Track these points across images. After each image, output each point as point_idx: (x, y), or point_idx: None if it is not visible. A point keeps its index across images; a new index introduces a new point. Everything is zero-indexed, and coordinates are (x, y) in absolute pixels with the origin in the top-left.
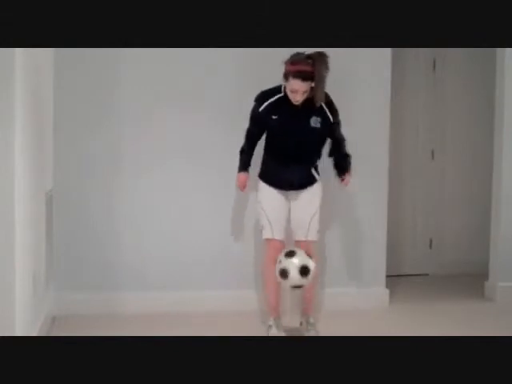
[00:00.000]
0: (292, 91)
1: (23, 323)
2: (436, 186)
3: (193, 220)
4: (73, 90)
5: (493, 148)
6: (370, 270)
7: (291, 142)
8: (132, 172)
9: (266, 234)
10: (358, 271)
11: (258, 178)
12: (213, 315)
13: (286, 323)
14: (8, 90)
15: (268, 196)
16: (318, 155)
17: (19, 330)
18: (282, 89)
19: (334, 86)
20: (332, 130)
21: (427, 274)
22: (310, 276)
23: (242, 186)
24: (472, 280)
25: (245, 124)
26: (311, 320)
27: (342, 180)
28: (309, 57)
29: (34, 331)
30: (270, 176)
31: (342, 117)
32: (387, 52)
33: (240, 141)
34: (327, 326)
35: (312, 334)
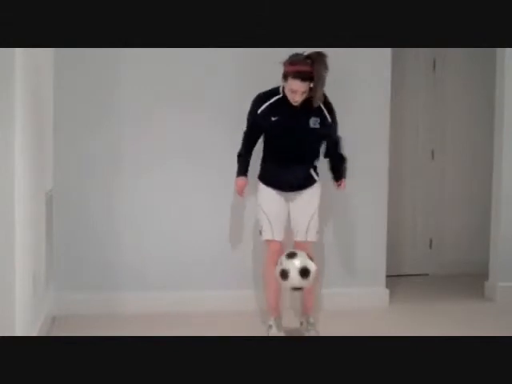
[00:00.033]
0: (291, 91)
1: (23, 323)
2: (436, 186)
3: (193, 220)
4: (73, 90)
5: (493, 148)
6: (370, 270)
7: (291, 143)
8: (132, 172)
9: (266, 235)
10: (358, 271)
11: (257, 179)
12: (213, 315)
13: (286, 323)
14: (8, 90)
15: (268, 197)
16: (317, 156)
17: (19, 330)
18: (281, 90)
19: (333, 86)
20: (330, 130)
21: (427, 274)
22: (311, 278)
23: (241, 191)
24: (472, 280)
25: (245, 124)
26: (311, 320)
27: (339, 185)
28: (308, 57)
29: (34, 331)
30: (269, 177)
31: (342, 117)
32: (387, 52)
33: (240, 140)
34: (327, 326)
35: (312, 333)
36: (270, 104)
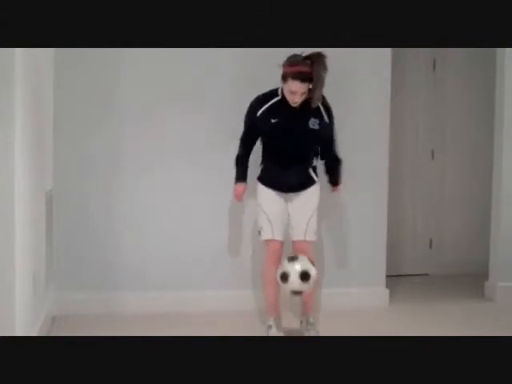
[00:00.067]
0: (291, 93)
1: (23, 323)
2: (436, 186)
3: (193, 220)
4: (73, 90)
5: (493, 148)
6: (370, 270)
7: (290, 144)
8: (132, 172)
9: (266, 235)
10: (358, 271)
11: (256, 180)
12: (213, 315)
13: (286, 324)
14: (8, 90)
15: (268, 198)
16: (316, 156)
17: (19, 330)
18: (279, 91)
19: (333, 86)
20: (327, 131)
21: (427, 274)
22: (311, 282)
23: (240, 197)
24: (472, 280)
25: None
26: (311, 320)
27: (334, 190)
28: (307, 58)
29: (34, 331)
30: (268, 178)
31: (342, 117)
32: (387, 52)
33: (239, 141)
34: (327, 326)
35: (312, 333)
36: (269, 106)
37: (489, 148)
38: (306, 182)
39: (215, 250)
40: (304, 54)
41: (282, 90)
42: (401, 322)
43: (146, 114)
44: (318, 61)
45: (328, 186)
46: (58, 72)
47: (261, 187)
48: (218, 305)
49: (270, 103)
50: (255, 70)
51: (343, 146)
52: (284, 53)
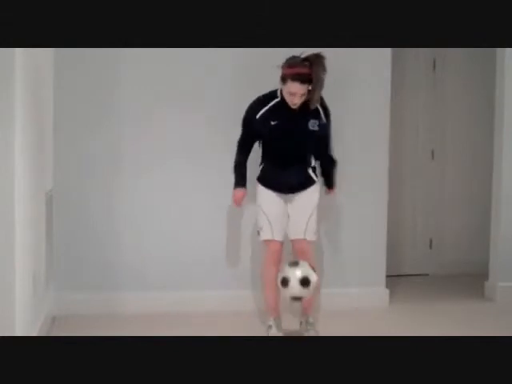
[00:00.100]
0: (290, 94)
1: (23, 323)
2: (436, 186)
3: (193, 220)
4: (73, 90)
5: (493, 148)
6: (370, 270)
7: (290, 146)
8: (132, 172)
9: (266, 236)
10: (358, 271)
11: (256, 181)
12: (213, 315)
13: (286, 326)
14: (8, 90)
15: (267, 198)
16: (315, 156)
17: (19, 330)
18: (278, 93)
19: (333, 86)
20: (325, 131)
21: (427, 274)
22: (311, 288)
23: (239, 203)
24: (472, 280)
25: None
26: (311, 320)
27: (329, 193)
28: (306, 59)
29: (34, 331)
30: (268, 179)
31: (342, 117)
32: (387, 52)
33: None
34: (327, 326)
35: (312, 333)
36: (269, 108)
37: (489, 148)
38: (305, 182)
39: (215, 250)
40: (303, 56)
41: (281, 91)
42: (401, 322)
43: (146, 114)
44: (317, 62)
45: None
46: (57, 72)
47: (261, 188)
48: (218, 305)
49: (269, 105)
50: (255, 70)
51: (343, 146)
52: (284, 53)
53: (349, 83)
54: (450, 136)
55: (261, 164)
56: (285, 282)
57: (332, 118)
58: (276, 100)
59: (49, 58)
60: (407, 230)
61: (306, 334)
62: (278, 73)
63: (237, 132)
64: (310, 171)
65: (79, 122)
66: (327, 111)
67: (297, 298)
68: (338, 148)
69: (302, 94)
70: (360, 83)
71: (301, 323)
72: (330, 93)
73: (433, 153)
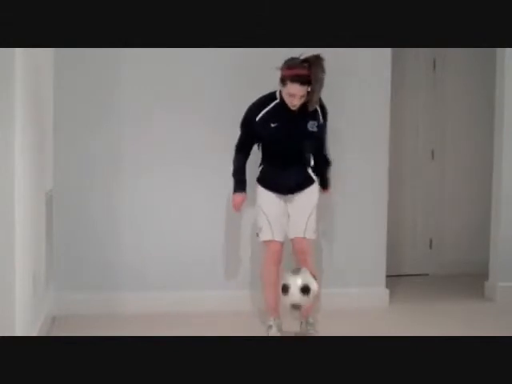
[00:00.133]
0: (290, 96)
1: (23, 323)
2: (436, 186)
3: (193, 220)
4: (73, 90)
5: (493, 148)
6: (370, 270)
7: (290, 147)
8: (132, 172)
9: (266, 236)
10: (358, 271)
11: (256, 181)
12: (213, 315)
13: (287, 328)
14: (8, 90)
15: (267, 199)
16: (313, 155)
17: (19, 330)
18: (278, 95)
19: (334, 85)
20: (322, 131)
21: (427, 274)
22: (311, 296)
23: (238, 208)
24: (472, 280)
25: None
26: (311, 320)
27: (324, 193)
28: (305, 60)
29: (34, 331)
30: (268, 180)
31: (342, 117)
32: (387, 52)
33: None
34: (327, 326)
35: (311, 333)
36: (269, 110)
37: (489, 148)
38: (305, 182)
39: (215, 250)
40: (302, 57)
41: (280, 93)
42: (401, 321)
43: (146, 114)
44: (316, 63)
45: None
46: (58, 72)
47: (260, 189)
48: (218, 305)
49: (268, 107)
50: (255, 71)
51: (343, 146)
52: (284, 53)
53: (349, 83)
54: (449, 136)
55: (260, 165)
56: (285, 289)
57: (332, 117)
58: (275, 102)
59: (49, 58)
60: (407, 230)
61: (307, 334)
62: (278, 73)
63: (237, 132)
64: (310, 171)
65: (79, 122)
66: (325, 111)
67: (296, 306)
68: (338, 148)
69: (302, 96)
70: (360, 83)
71: (301, 324)
72: (330, 93)
73: (433, 153)
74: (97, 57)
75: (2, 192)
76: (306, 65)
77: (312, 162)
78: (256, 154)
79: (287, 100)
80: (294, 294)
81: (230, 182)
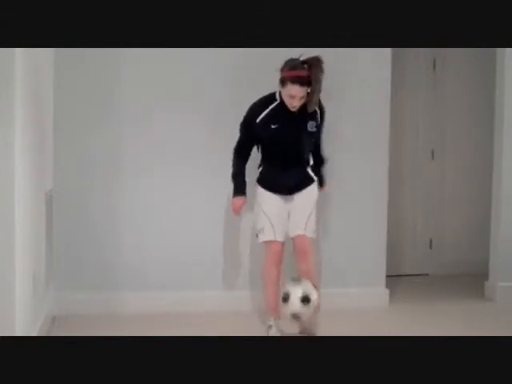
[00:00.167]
0: (290, 97)
1: (23, 323)
2: (436, 186)
3: (193, 220)
4: (73, 90)
5: (493, 148)
6: (370, 270)
7: (290, 148)
8: (132, 172)
9: (268, 237)
10: (358, 271)
11: (256, 182)
12: (213, 315)
13: (287, 328)
14: (8, 90)
15: (268, 199)
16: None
17: (19, 330)
18: (277, 96)
19: (334, 85)
20: (320, 131)
21: (427, 274)
22: (311, 306)
23: (238, 211)
24: (472, 280)
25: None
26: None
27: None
28: (304, 62)
29: (34, 331)
30: (268, 181)
31: (342, 117)
32: (387, 52)
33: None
34: (327, 326)
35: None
36: (269, 111)
37: (489, 148)
38: (305, 182)
39: (215, 250)
40: (302, 58)
41: (279, 94)
42: (401, 322)
43: (146, 114)
44: (315, 64)
45: (330, 185)
46: (58, 72)
47: (260, 190)
48: (218, 305)
49: (269, 108)
50: (255, 71)
51: (343, 146)
52: (284, 53)
53: (349, 83)
54: (450, 136)
55: (260, 166)
56: (285, 298)
57: (332, 117)
58: (275, 103)
59: (49, 58)
60: (407, 230)
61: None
62: (278, 74)
63: (237, 132)
64: (309, 170)
65: (79, 122)
66: (323, 111)
67: (296, 316)
68: (338, 148)
69: (302, 97)
70: (360, 83)
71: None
72: (330, 93)
73: (433, 153)
74: (97, 57)
75: (2, 192)
76: (305, 66)
77: (311, 161)
78: (255, 154)
79: (287, 101)
80: (294, 304)
81: (230, 182)
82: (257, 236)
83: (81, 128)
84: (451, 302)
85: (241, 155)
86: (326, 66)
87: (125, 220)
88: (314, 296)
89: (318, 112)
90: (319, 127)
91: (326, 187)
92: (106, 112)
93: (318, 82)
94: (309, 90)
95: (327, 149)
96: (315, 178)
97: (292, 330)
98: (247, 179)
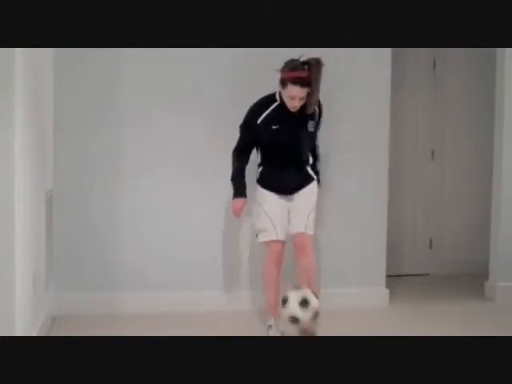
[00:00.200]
0: (290, 98)
1: (23, 323)
2: (436, 186)
3: (193, 220)
4: (73, 90)
5: (493, 148)
6: (370, 270)
7: (290, 148)
8: (132, 172)
9: (269, 236)
10: (358, 271)
11: (256, 183)
12: (213, 315)
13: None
14: (8, 90)
15: (268, 199)
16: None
17: (19, 330)
18: (277, 96)
19: (334, 85)
20: (317, 130)
21: (427, 274)
22: (309, 310)
23: (238, 213)
24: (472, 280)
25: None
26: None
27: None
28: (304, 62)
29: (34, 331)
30: (268, 181)
31: (342, 117)
32: (387, 52)
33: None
34: (327, 326)
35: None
36: (270, 112)
37: (489, 148)
38: (304, 181)
39: (215, 250)
40: (301, 59)
41: (279, 94)
42: (401, 322)
43: (146, 114)
44: (315, 65)
45: (330, 185)
46: (58, 72)
47: (261, 190)
48: (218, 305)
49: (269, 109)
50: (255, 71)
51: (343, 146)
52: (284, 53)
53: (349, 83)
54: (449, 136)
55: (260, 166)
56: (284, 302)
57: (332, 117)
58: (276, 104)
59: (49, 58)
60: (407, 230)
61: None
62: (278, 74)
63: (236, 132)
64: (309, 169)
65: (79, 122)
66: (321, 108)
67: (295, 319)
68: (338, 148)
69: (302, 98)
70: (360, 83)
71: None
72: (330, 93)
73: (433, 153)
74: (97, 57)
75: (2, 192)
76: (305, 67)
77: (311, 160)
78: (255, 154)
79: (287, 102)
80: (293, 307)
81: (230, 183)
82: (257, 236)
83: (81, 128)
84: (451, 301)
85: (241, 156)
86: (325, 66)
87: (125, 220)
88: (313, 301)
89: (317, 110)
90: (316, 126)
91: (326, 187)
92: (106, 112)
93: (317, 82)
94: (309, 91)
95: (327, 149)
96: (315, 177)
97: (292, 329)
98: (247, 179)
